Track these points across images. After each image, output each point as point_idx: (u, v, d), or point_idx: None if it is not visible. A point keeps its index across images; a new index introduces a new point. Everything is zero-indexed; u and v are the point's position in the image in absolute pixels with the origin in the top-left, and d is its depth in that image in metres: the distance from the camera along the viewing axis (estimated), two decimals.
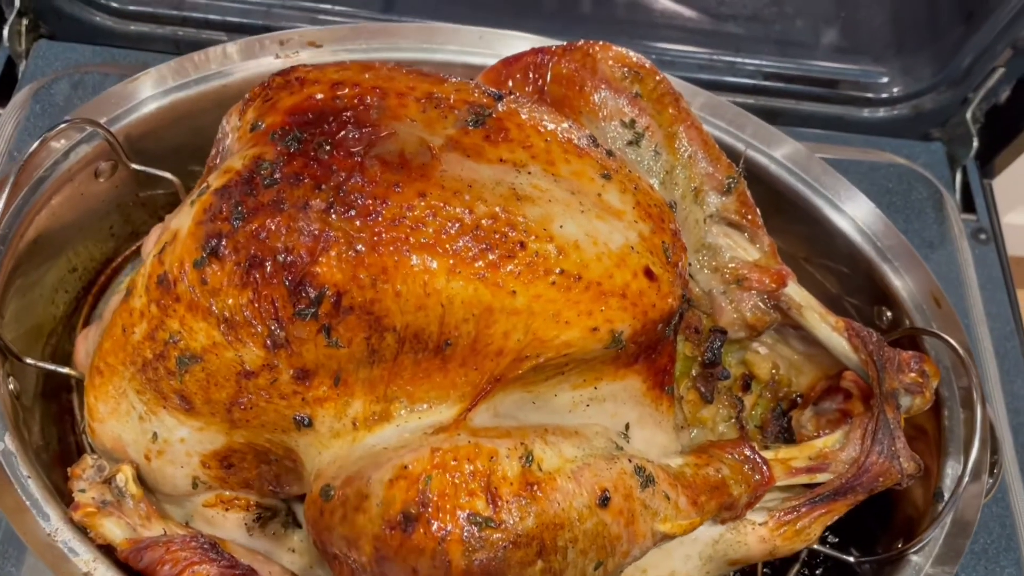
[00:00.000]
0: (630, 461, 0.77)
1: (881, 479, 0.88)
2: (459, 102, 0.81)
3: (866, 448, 0.88)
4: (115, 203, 1.09)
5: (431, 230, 0.73)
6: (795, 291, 0.95)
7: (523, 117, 0.81)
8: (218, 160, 0.89)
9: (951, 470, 0.95)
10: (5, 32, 1.35)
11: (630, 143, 0.93)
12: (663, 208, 0.83)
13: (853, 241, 1.07)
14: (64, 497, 0.86)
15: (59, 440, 1.02)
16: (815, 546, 0.94)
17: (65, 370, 0.94)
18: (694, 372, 0.94)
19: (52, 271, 1.04)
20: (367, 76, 0.82)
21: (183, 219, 0.78)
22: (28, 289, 1.00)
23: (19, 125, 1.25)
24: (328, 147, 0.76)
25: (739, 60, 1.50)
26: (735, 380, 1.00)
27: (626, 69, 0.94)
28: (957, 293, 1.31)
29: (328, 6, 1.45)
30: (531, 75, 0.95)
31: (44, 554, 0.80)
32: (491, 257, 0.73)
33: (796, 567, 1.05)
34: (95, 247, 1.10)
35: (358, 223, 0.72)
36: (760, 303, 0.95)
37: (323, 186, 0.73)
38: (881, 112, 1.50)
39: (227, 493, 0.88)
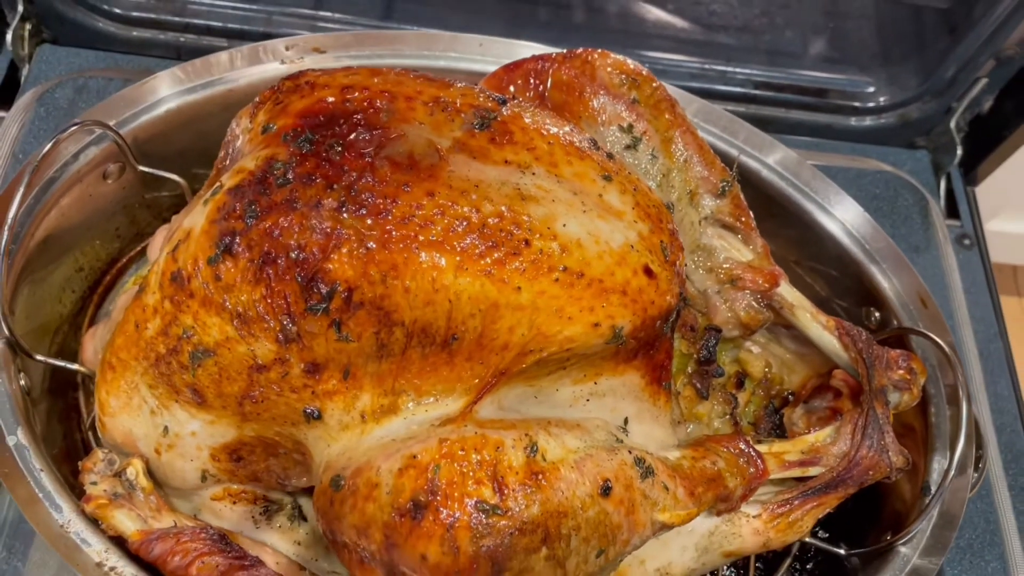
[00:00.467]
0: (630, 453, 0.80)
1: (871, 472, 0.90)
2: (465, 106, 0.83)
3: (856, 442, 0.91)
4: (121, 204, 1.11)
5: (439, 228, 0.75)
6: (787, 291, 0.98)
7: (526, 121, 0.84)
8: (228, 162, 0.92)
9: (938, 465, 0.98)
10: (8, 36, 1.37)
11: (628, 147, 0.96)
12: (661, 209, 0.86)
13: (842, 244, 1.10)
14: (74, 491, 0.88)
15: (65, 437, 1.04)
16: (807, 539, 0.97)
17: (75, 366, 0.96)
18: (690, 369, 0.97)
19: (59, 270, 1.06)
20: (376, 80, 0.84)
21: (196, 218, 0.80)
22: (37, 288, 1.02)
23: (24, 128, 1.27)
24: (339, 148, 0.78)
25: (730, 69, 1.53)
26: (729, 378, 1.03)
27: (624, 76, 0.97)
28: (942, 296, 1.34)
29: (328, 13, 1.48)
30: (532, 81, 0.97)
31: (57, 544, 0.82)
32: (497, 254, 0.76)
33: (788, 561, 1.08)
34: (101, 247, 1.12)
35: (369, 221, 0.75)
36: (753, 302, 0.98)
37: (335, 185, 0.76)
38: (868, 121, 1.54)
39: (235, 487, 0.90)
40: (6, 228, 0.89)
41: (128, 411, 0.85)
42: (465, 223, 0.76)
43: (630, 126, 0.96)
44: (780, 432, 1.04)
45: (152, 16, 1.44)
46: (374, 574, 0.76)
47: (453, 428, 0.76)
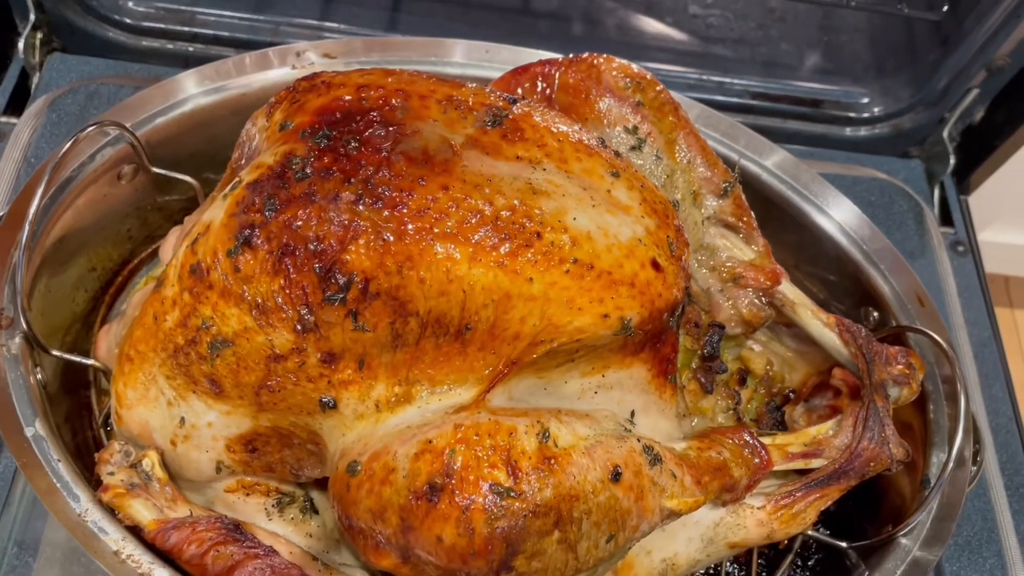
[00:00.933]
0: (639, 441, 0.82)
1: (872, 464, 0.93)
2: (477, 104, 0.86)
3: (857, 435, 0.93)
4: (134, 206, 1.13)
5: (453, 221, 0.77)
6: (788, 289, 1.00)
7: (536, 119, 0.87)
8: (243, 161, 0.94)
9: (936, 459, 1.00)
10: (20, 44, 1.39)
11: (633, 148, 0.99)
12: (667, 205, 0.88)
13: (840, 245, 1.12)
14: (90, 484, 0.89)
15: (76, 435, 1.05)
16: (809, 532, 0.99)
17: (89, 361, 0.97)
18: (694, 364, 0.99)
19: (73, 269, 1.08)
20: (390, 80, 0.87)
21: (215, 212, 0.82)
22: (51, 286, 1.03)
23: (35, 133, 1.29)
24: (356, 144, 0.80)
25: (727, 80, 1.57)
26: (732, 374, 1.05)
27: (629, 79, 1.00)
28: (937, 300, 1.37)
29: (333, 24, 1.51)
30: (540, 84, 1.00)
31: (76, 532, 0.83)
32: (510, 246, 0.78)
33: (790, 558, 1.10)
34: (113, 248, 1.14)
35: (385, 213, 0.77)
36: (756, 300, 1.00)
37: (352, 179, 0.78)
38: (862, 131, 1.57)
39: (248, 478, 0.92)
40: (27, 223, 0.91)
41: (145, 403, 0.87)
42: (478, 216, 0.78)
43: (635, 128, 0.99)
44: (781, 429, 1.06)
45: (161, 26, 1.47)
46: (389, 558, 0.77)
47: (467, 415, 0.78)
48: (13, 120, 1.34)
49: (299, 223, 0.77)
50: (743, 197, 1.02)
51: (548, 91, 1.00)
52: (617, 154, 0.89)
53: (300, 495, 0.95)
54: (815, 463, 0.94)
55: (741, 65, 1.60)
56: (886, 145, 1.56)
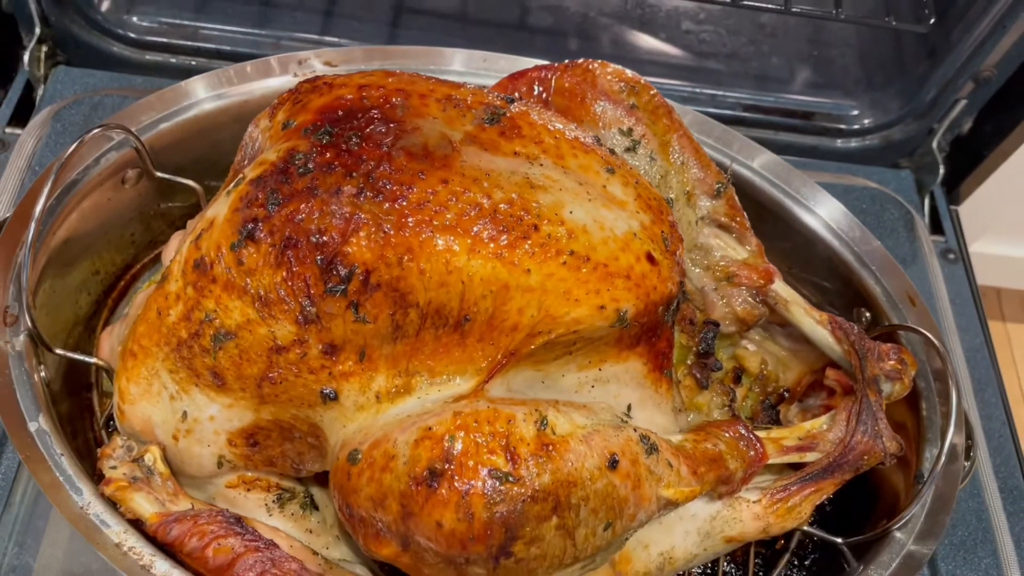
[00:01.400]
0: (635, 431, 0.83)
1: (866, 457, 0.94)
2: (476, 103, 0.88)
3: (851, 429, 0.94)
4: (137, 211, 1.15)
5: (453, 213, 0.79)
6: (781, 287, 1.02)
7: (534, 117, 0.89)
8: (246, 162, 0.96)
9: (930, 455, 1.01)
10: (25, 57, 1.42)
11: (628, 149, 1.01)
12: (661, 202, 0.90)
13: (832, 246, 1.14)
14: (92, 479, 0.90)
15: (77, 436, 1.06)
16: (805, 528, 1.00)
17: (93, 360, 0.98)
18: (689, 361, 1.01)
19: (77, 272, 1.09)
20: (391, 80, 0.89)
21: (219, 208, 0.84)
22: (55, 287, 1.05)
23: (40, 143, 1.31)
24: (358, 139, 0.82)
25: (720, 93, 1.60)
26: (727, 373, 1.06)
27: (623, 83, 1.03)
28: (929, 306, 1.38)
29: (334, 38, 1.54)
30: (536, 88, 1.02)
31: (78, 525, 0.84)
32: (508, 238, 0.79)
33: (787, 556, 1.10)
34: (116, 253, 1.16)
35: (386, 206, 0.79)
36: (749, 298, 1.02)
37: (353, 173, 0.80)
38: (853, 143, 1.60)
39: (249, 474, 0.93)
40: (33, 221, 0.92)
41: (147, 398, 0.88)
42: (477, 208, 0.80)
43: (629, 130, 1.01)
44: (777, 426, 1.07)
45: (164, 40, 1.49)
46: (389, 547, 0.78)
47: (466, 403, 0.79)
48: (18, 131, 1.36)
49: (301, 216, 0.79)
50: (736, 198, 1.04)
51: (544, 95, 1.02)
52: (612, 152, 0.91)
53: (300, 491, 0.96)
54: (809, 457, 0.95)
55: (733, 78, 1.63)
56: (876, 156, 1.59)
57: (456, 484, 0.73)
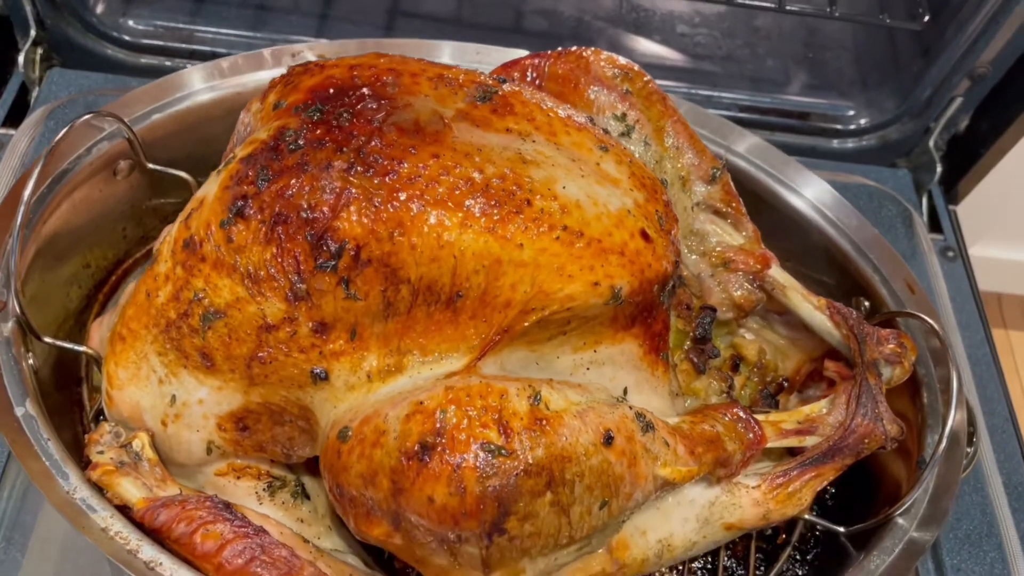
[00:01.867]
0: (631, 408, 0.82)
1: (866, 441, 0.92)
2: (467, 82, 0.88)
3: (851, 412, 0.92)
4: (129, 204, 1.14)
5: (444, 188, 0.78)
6: (778, 273, 1.01)
7: (526, 96, 0.88)
8: (238, 147, 0.95)
9: (931, 441, 0.99)
10: (20, 59, 1.42)
11: (622, 135, 1.01)
12: (656, 182, 0.90)
13: (829, 235, 1.13)
14: (80, 465, 0.88)
15: (66, 430, 1.04)
16: (806, 516, 0.98)
17: (83, 348, 0.97)
18: (686, 346, 0.99)
19: (68, 264, 1.08)
20: (382, 61, 0.89)
21: (210, 187, 0.83)
22: (46, 278, 1.04)
23: (33, 142, 1.31)
24: (348, 116, 0.82)
25: (716, 94, 1.60)
26: (724, 361, 1.05)
27: (617, 70, 1.02)
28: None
29: (328, 41, 1.54)
30: (530, 74, 1.02)
31: (64, 510, 0.82)
32: (500, 212, 0.79)
33: (788, 550, 1.08)
34: (108, 247, 1.15)
35: (376, 181, 0.78)
36: (746, 284, 1.01)
37: (344, 148, 0.79)
38: (850, 143, 1.59)
39: (239, 461, 0.91)
40: (22, 205, 0.91)
41: (136, 382, 0.87)
42: (469, 183, 0.79)
43: (623, 115, 1.01)
44: None
45: (159, 43, 1.50)
46: (380, 526, 0.77)
47: (459, 379, 0.78)
48: (12, 132, 1.35)
49: (291, 192, 0.78)
50: (731, 184, 1.03)
51: (538, 82, 1.02)
52: (606, 132, 0.91)
53: (292, 480, 0.94)
54: (809, 441, 0.93)
55: (729, 80, 1.63)
56: (873, 156, 1.58)
57: (448, 458, 0.72)
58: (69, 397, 1.07)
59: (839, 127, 1.59)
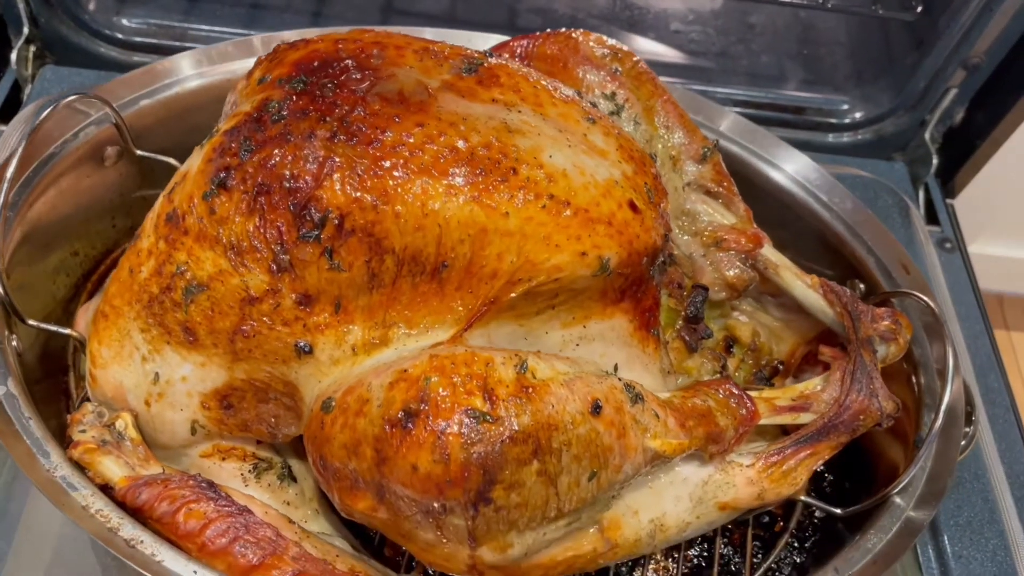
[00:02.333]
0: (620, 380, 0.80)
1: (862, 418, 0.90)
2: (453, 54, 0.87)
3: (846, 388, 0.91)
4: (118, 193, 1.13)
5: (428, 156, 0.78)
6: (770, 252, 1.00)
7: (512, 68, 0.88)
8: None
9: (928, 420, 0.98)
10: (13, 56, 1.42)
11: (611, 114, 1.00)
12: (644, 155, 0.89)
13: (823, 218, 1.12)
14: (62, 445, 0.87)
15: (51, 419, 1.03)
16: (802, 497, 0.96)
17: (67, 331, 0.96)
18: (678, 325, 0.98)
19: (56, 253, 1.07)
20: (367, 34, 0.88)
21: (192, 160, 0.83)
22: (33, 264, 1.03)
23: (23, 137, 1.30)
24: (332, 87, 0.81)
25: (711, 89, 1.59)
26: (718, 342, 1.04)
27: (606, 50, 1.02)
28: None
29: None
30: (518, 54, 1.02)
31: (45, 489, 0.81)
32: (485, 181, 0.78)
33: (785, 537, 1.06)
34: (97, 236, 1.14)
35: (360, 149, 0.77)
36: (739, 263, 0.99)
37: (327, 118, 0.79)
38: (845, 137, 1.59)
39: (224, 442, 0.90)
40: (5, 183, 0.91)
41: (119, 360, 0.85)
42: (454, 151, 0.78)
43: (613, 93, 1.00)
44: None
45: (153, 41, 1.50)
46: (365, 499, 0.75)
47: (444, 347, 0.77)
48: (3, 128, 1.35)
49: (274, 162, 0.78)
50: (722, 164, 1.02)
51: (527, 62, 1.01)
52: (593, 105, 0.90)
53: (278, 462, 0.93)
54: (803, 417, 0.91)
55: (724, 76, 1.62)
56: (869, 150, 1.57)
57: (431, 424, 0.71)
58: (55, 386, 1.06)
59: (834, 121, 1.59)
